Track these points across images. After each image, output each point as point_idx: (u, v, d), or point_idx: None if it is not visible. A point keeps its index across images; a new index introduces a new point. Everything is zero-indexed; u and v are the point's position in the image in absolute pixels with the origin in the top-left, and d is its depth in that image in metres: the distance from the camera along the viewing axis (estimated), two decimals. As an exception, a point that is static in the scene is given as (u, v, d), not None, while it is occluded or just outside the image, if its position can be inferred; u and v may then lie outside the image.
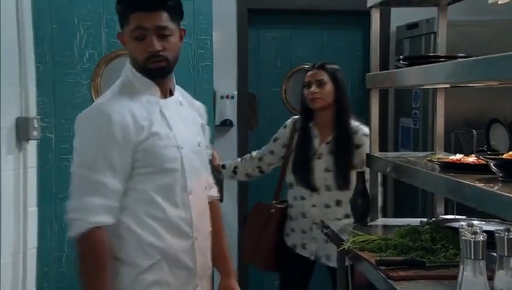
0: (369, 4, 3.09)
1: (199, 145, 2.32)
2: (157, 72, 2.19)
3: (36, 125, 2.95)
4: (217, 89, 4.94)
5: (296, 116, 3.57)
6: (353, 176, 3.10)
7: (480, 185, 1.99)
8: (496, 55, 1.85)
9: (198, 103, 2.43)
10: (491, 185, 1.99)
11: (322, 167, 3.34)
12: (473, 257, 1.69)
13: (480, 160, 2.26)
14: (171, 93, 2.30)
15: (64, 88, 3.49)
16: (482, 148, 3.44)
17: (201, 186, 2.33)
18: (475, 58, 2.10)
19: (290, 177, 3.47)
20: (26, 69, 2.95)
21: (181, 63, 4.08)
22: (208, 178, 2.48)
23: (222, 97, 4.95)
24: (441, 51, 3.07)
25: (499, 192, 1.87)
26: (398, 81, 2.88)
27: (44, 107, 3.27)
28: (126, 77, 2.25)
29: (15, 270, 2.83)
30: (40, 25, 3.14)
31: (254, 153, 3.67)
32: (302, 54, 5.25)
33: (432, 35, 4.45)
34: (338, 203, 3.32)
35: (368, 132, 3.08)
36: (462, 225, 1.78)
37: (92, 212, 2.06)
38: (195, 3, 3.94)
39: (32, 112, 2.97)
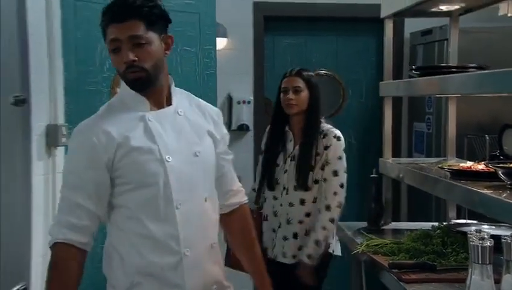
0: (382, 15, 3.19)
1: (196, 155, 2.17)
2: (136, 83, 2.10)
3: (65, 132, 3.07)
4: (234, 94, 5.06)
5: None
6: (311, 177, 3.27)
7: (488, 192, 2.09)
8: (504, 70, 1.94)
9: (210, 109, 2.31)
10: (500, 192, 2.08)
11: (292, 168, 3.37)
12: (480, 262, 1.79)
13: (489, 168, 2.35)
14: (169, 103, 2.19)
15: (87, 96, 3.59)
16: (494, 153, 3.49)
17: (197, 198, 2.17)
18: (484, 72, 2.21)
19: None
20: (55, 78, 3.07)
21: (188, 72, 4.25)
22: (227, 184, 2.36)
23: (239, 102, 5.04)
24: (453, 60, 3.17)
25: (506, 200, 1.97)
26: (410, 91, 2.98)
27: (70, 114, 3.38)
28: (119, 94, 2.27)
29: (44, 269, 2.94)
30: (67, 35, 3.26)
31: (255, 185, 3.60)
32: (316, 60, 5.32)
33: (445, 41, 4.49)
34: (302, 202, 3.31)
35: (339, 134, 3.29)
36: (471, 231, 1.88)
37: (60, 229, 2.06)
38: (200, 15, 4.07)
39: (61, 120, 3.09)
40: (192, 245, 2.13)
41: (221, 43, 4.96)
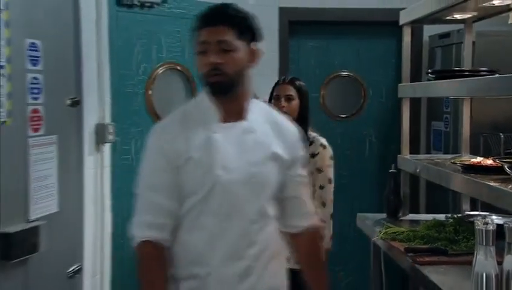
0: (401, 22, 3.45)
1: (253, 177, 2.12)
2: (216, 87, 2.11)
3: (111, 131, 3.38)
4: (260, 95, 5.30)
5: None
6: None
7: (495, 184, 2.34)
8: (508, 75, 2.21)
9: (287, 129, 2.26)
10: (505, 184, 2.34)
11: None
12: (484, 243, 2.05)
13: (496, 163, 2.61)
14: (243, 118, 2.18)
15: (126, 97, 3.91)
16: (509, 151, 3.68)
17: (241, 219, 2.13)
18: (491, 76, 2.47)
19: None
20: (103, 82, 3.39)
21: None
22: (297, 207, 2.30)
23: (265, 102, 5.30)
24: (467, 64, 3.41)
25: (510, 190, 2.23)
26: (425, 93, 3.24)
27: (115, 114, 3.69)
28: (195, 100, 2.31)
29: (95, 255, 3.26)
30: (111, 43, 3.57)
31: None
32: (339, 62, 5.54)
33: (462, 44, 4.75)
34: None
35: (325, 142, 3.45)
36: (478, 218, 2.15)
37: (141, 228, 2.14)
38: None
39: (108, 119, 3.40)
40: (225, 261, 2.13)
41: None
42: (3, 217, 2.46)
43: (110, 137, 3.41)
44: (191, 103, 2.31)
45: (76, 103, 3.03)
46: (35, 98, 2.70)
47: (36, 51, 2.69)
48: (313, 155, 3.38)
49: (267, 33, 5.27)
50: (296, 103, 3.47)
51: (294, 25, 5.42)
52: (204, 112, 2.17)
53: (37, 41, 2.69)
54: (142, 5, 4.02)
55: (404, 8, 3.55)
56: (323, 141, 3.47)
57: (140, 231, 2.14)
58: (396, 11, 3.64)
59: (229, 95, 2.12)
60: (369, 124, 5.50)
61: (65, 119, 2.96)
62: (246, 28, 2.13)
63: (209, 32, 2.09)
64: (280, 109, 3.31)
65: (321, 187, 3.40)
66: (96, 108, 3.35)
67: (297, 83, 3.54)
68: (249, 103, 2.18)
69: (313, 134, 3.47)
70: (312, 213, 2.36)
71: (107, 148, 3.45)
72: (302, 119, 3.39)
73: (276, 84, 3.57)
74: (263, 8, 5.40)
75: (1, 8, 2.44)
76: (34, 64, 2.68)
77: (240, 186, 2.12)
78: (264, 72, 5.48)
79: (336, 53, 5.54)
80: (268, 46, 5.45)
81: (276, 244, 2.26)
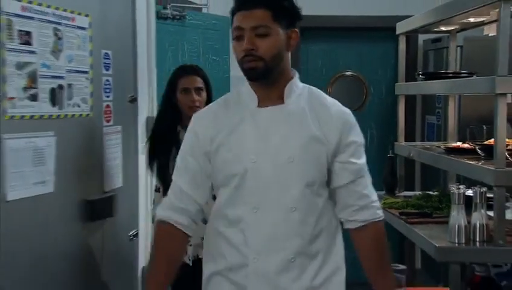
0: (397, 32, 4.14)
1: (290, 161, 2.00)
2: (251, 72, 2.01)
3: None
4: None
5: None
6: None
7: (469, 161, 3.03)
8: (477, 78, 2.90)
9: (335, 113, 2.11)
10: (477, 162, 3.02)
11: None
12: (457, 203, 2.74)
13: (471, 145, 3.31)
14: (282, 101, 2.07)
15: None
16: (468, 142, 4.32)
17: (279, 206, 2.02)
18: (470, 78, 3.17)
19: None
20: (152, 81, 4.09)
21: (215, 75, 5.27)
22: (351, 198, 2.14)
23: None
24: (451, 67, 4.11)
25: (481, 165, 2.89)
26: (418, 90, 3.94)
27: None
28: (237, 87, 2.22)
29: (146, 223, 3.97)
30: (157, 50, 4.28)
31: None
32: (343, 63, 6.20)
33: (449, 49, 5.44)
34: None
35: None
36: (453, 186, 2.85)
37: (162, 208, 2.17)
38: (221, 32, 5.30)
39: (155, 113, 4.08)
40: (262, 253, 2.03)
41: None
42: (87, 189, 3.17)
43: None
44: (234, 90, 2.23)
45: (134, 100, 3.73)
46: (107, 96, 3.40)
47: (108, 59, 3.39)
48: None
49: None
50: (205, 94, 3.24)
51: (304, 30, 5.91)
52: (243, 97, 2.10)
53: (109, 51, 3.39)
54: (174, 17, 4.72)
55: (400, 16, 4.23)
56: None
57: (161, 210, 2.17)
58: (394, 18, 4.30)
59: (266, 80, 2.03)
60: (371, 118, 6.19)
61: (126, 112, 3.66)
62: (283, 10, 2.01)
63: (244, 17, 1.99)
64: (192, 103, 3.15)
65: None
66: (146, 104, 4.05)
67: (202, 72, 3.31)
68: (290, 86, 2.07)
69: None
70: (373, 206, 2.16)
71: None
72: None
73: (178, 75, 3.28)
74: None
75: (87, 27, 3.15)
76: (107, 70, 3.39)
77: (277, 172, 2.01)
78: None
79: (340, 55, 6.22)
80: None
81: (326, 240, 2.12)
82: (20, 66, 2.67)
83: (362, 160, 2.16)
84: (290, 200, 2.04)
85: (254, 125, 2.06)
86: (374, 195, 2.21)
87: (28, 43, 2.71)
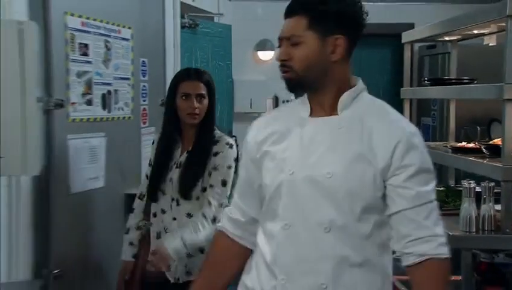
0: (403, 41, 4.49)
1: (328, 176, 1.80)
2: (286, 83, 1.88)
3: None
4: (280, 95, 6.38)
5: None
6: (198, 187, 2.86)
7: (475, 159, 3.37)
8: (479, 85, 3.25)
9: (394, 135, 1.83)
10: (482, 160, 3.36)
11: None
12: (468, 196, 3.07)
13: (476, 145, 3.66)
14: (335, 112, 1.88)
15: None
16: (484, 141, 4.69)
17: (311, 224, 1.82)
18: (472, 85, 3.52)
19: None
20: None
21: (220, 79, 5.62)
22: (405, 227, 1.82)
23: (283, 101, 6.34)
24: (452, 74, 4.46)
25: (487, 163, 3.23)
26: (422, 95, 4.29)
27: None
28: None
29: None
30: (182, 56, 4.61)
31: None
32: None
33: (447, 54, 5.78)
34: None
35: (232, 142, 2.96)
36: (464, 181, 3.18)
37: (223, 217, 2.11)
38: (225, 39, 5.51)
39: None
40: (291, 275, 1.85)
41: (269, 54, 6.29)
42: (128, 183, 3.49)
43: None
44: (293, 100, 2.07)
45: (163, 104, 4.05)
46: (144, 100, 3.72)
47: (145, 66, 3.70)
48: (216, 154, 2.90)
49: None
50: (206, 102, 2.94)
51: None
52: (296, 107, 1.95)
53: (145, 60, 3.71)
54: (190, 26, 5.05)
55: (396, 23, 4.57)
56: (230, 140, 2.97)
57: (222, 219, 2.12)
58: (391, 26, 4.65)
59: (307, 91, 1.91)
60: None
61: (158, 115, 3.97)
62: (322, 15, 1.83)
63: (284, 25, 1.88)
64: (191, 110, 2.89)
65: (211, 186, 2.85)
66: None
67: (206, 77, 3.01)
68: (347, 97, 1.88)
69: (219, 133, 2.99)
70: (435, 239, 1.82)
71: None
72: (209, 120, 2.97)
73: (180, 79, 2.99)
74: (281, 23, 6.44)
75: (130, 38, 3.46)
76: (144, 76, 3.70)
77: (310, 186, 1.83)
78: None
79: None
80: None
81: (368, 275, 1.87)
82: (80, 74, 2.98)
83: (425, 187, 1.83)
84: (325, 219, 1.82)
85: (300, 136, 1.88)
86: (439, 228, 1.84)
87: (85, 54, 3.03)
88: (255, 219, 2.01)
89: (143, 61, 3.67)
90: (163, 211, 2.92)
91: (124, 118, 3.42)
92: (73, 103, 2.93)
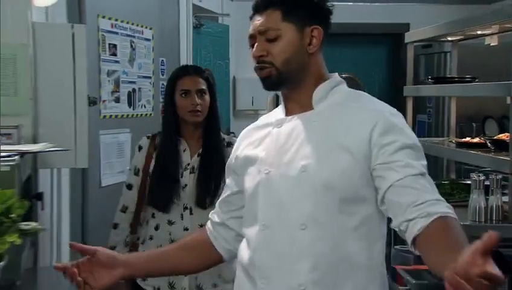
0: (406, 41, 4.66)
1: (303, 170, 1.68)
2: (265, 82, 1.74)
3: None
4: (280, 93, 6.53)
5: (151, 134, 2.87)
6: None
7: (481, 153, 3.55)
8: (492, 83, 3.44)
9: (368, 119, 1.68)
10: (487, 154, 3.54)
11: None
12: (477, 188, 3.25)
13: (481, 140, 3.84)
14: (310, 108, 1.75)
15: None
16: (479, 137, 4.88)
17: (287, 223, 1.69)
18: (474, 83, 3.71)
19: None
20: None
21: (220, 77, 5.78)
22: (403, 197, 1.58)
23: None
24: (453, 72, 4.64)
25: (493, 156, 3.41)
26: (427, 93, 4.47)
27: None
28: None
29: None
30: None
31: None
32: (341, 67, 6.62)
33: (442, 54, 5.98)
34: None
35: None
36: (473, 174, 3.36)
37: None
38: (223, 39, 5.70)
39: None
40: (269, 278, 1.71)
41: (270, 54, 6.45)
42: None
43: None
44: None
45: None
46: (163, 98, 3.86)
47: (163, 65, 3.85)
48: None
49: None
50: (208, 98, 2.76)
51: None
52: (276, 111, 1.86)
53: (164, 59, 3.86)
54: (196, 26, 5.20)
55: (392, 23, 4.72)
56: None
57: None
58: (387, 25, 4.80)
59: (285, 88, 1.77)
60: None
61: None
62: (295, 4, 1.73)
63: (254, 22, 1.75)
64: (192, 107, 2.70)
65: None
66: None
67: (206, 73, 2.85)
68: (321, 90, 1.76)
69: (225, 136, 2.87)
70: (441, 202, 1.63)
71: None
72: (213, 118, 2.79)
73: (177, 75, 2.80)
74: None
75: (151, 38, 3.60)
76: (162, 74, 3.85)
77: (285, 183, 1.70)
78: None
79: (338, 59, 6.44)
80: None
81: (354, 274, 1.68)
82: (109, 73, 3.13)
83: (416, 161, 1.64)
84: (300, 216, 1.67)
85: (276, 136, 1.75)
86: (442, 197, 1.68)
87: (114, 54, 3.18)
88: (225, 224, 1.90)
89: (162, 60, 3.82)
90: (170, 223, 2.69)
91: (146, 114, 3.57)
92: (104, 101, 3.07)
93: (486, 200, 3.22)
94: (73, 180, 2.89)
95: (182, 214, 2.69)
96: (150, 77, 3.59)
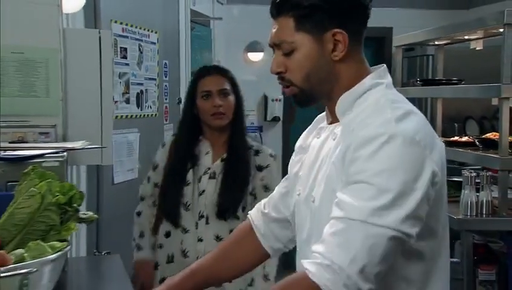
0: (394, 45, 4.87)
1: (312, 200, 1.55)
2: (294, 100, 1.58)
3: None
4: (268, 94, 6.70)
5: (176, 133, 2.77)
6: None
7: (470, 151, 3.75)
8: (483, 85, 3.64)
9: (354, 136, 1.43)
10: (476, 152, 3.74)
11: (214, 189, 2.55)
12: (469, 184, 3.44)
13: (470, 139, 4.04)
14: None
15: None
16: (460, 137, 5.11)
17: (303, 250, 1.59)
18: (461, 85, 3.91)
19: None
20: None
21: None
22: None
23: (273, 100, 6.66)
24: (439, 74, 4.85)
25: (480, 153, 3.61)
26: (415, 94, 4.68)
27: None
28: None
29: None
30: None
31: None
32: None
33: (425, 57, 6.19)
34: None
35: (273, 153, 2.67)
36: (465, 170, 3.56)
37: (253, 209, 1.87)
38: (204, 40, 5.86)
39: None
40: None
41: (259, 55, 6.61)
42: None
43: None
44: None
45: (180, 102, 4.35)
46: (166, 99, 4.02)
47: (166, 67, 4.00)
48: (260, 168, 2.58)
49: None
50: (232, 99, 2.57)
51: None
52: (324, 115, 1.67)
53: (167, 61, 4.01)
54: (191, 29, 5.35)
55: (376, 27, 4.86)
56: (271, 150, 2.67)
57: (252, 210, 1.90)
58: (369, 29, 4.88)
59: (317, 102, 1.60)
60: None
61: (175, 112, 4.28)
62: (310, 11, 1.49)
63: (272, 29, 1.56)
64: (215, 109, 2.52)
65: None
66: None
67: (229, 73, 2.65)
68: (345, 100, 1.54)
69: (253, 142, 2.68)
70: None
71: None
72: (239, 121, 2.61)
73: (199, 76, 2.63)
74: (270, 26, 6.76)
75: (156, 42, 3.75)
76: (165, 76, 4.00)
77: (305, 209, 1.59)
78: (271, 76, 6.78)
79: None
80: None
81: None
82: (121, 75, 3.28)
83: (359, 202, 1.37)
84: (311, 243, 1.50)
85: (311, 150, 1.63)
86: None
87: (124, 57, 3.32)
88: (286, 220, 1.74)
89: (165, 62, 3.97)
90: (184, 230, 2.53)
91: (151, 115, 3.71)
92: (116, 101, 3.21)
93: (477, 195, 3.43)
94: (90, 178, 3.03)
95: (196, 223, 2.52)
96: (155, 79, 3.74)
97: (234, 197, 2.50)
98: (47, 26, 2.33)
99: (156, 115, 3.78)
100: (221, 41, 6.39)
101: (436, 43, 4.65)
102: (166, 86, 3.99)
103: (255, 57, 6.61)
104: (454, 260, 3.48)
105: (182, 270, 1.95)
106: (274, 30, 1.54)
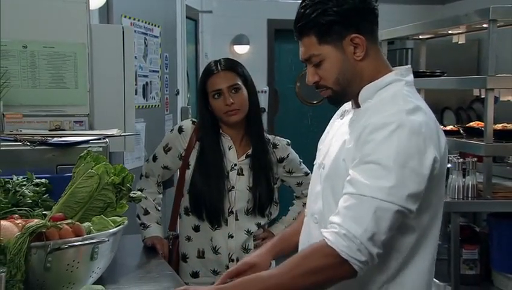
0: (380, 39, 5.07)
1: (321, 167, 1.83)
2: (331, 102, 1.83)
3: (190, 111, 4.86)
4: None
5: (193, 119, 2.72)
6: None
7: (456, 139, 3.99)
8: (470, 76, 3.87)
9: (365, 125, 1.68)
10: (460, 139, 3.98)
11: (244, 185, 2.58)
12: (456, 169, 3.68)
13: (454, 128, 4.28)
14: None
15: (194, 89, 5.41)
16: (445, 126, 5.34)
17: (309, 216, 1.87)
18: (444, 77, 4.14)
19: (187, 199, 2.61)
20: (184, 77, 4.89)
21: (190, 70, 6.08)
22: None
23: (258, 92, 6.82)
24: (422, 67, 5.08)
25: (461, 140, 3.85)
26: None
27: (190, 99, 5.16)
28: None
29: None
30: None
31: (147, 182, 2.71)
32: None
33: (404, 50, 6.39)
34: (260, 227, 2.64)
35: (287, 140, 2.72)
36: (451, 156, 3.79)
37: None
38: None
39: (186, 103, 4.88)
40: None
41: (245, 48, 6.79)
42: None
43: (189, 115, 4.91)
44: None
45: (178, 93, 4.53)
46: (166, 90, 4.18)
47: (167, 60, 4.17)
48: (281, 160, 2.65)
49: (258, 38, 7.26)
50: (244, 92, 2.55)
51: (279, 32, 6.99)
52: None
53: (167, 54, 4.18)
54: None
55: None
56: (284, 139, 2.72)
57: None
58: None
59: (349, 98, 1.82)
60: (334, 108, 7.10)
61: (174, 103, 4.45)
62: (327, 26, 1.71)
63: (300, 48, 1.80)
64: (226, 108, 2.50)
65: (299, 184, 2.72)
66: (181, 96, 4.85)
67: (240, 67, 2.60)
68: (367, 89, 1.76)
69: (269, 136, 2.68)
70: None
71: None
72: (254, 116, 2.60)
73: (206, 75, 2.57)
74: (256, 19, 6.95)
75: (159, 35, 3.92)
76: (166, 69, 4.17)
77: (315, 176, 1.88)
78: (256, 68, 6.87)
79: None
80: (259, 48, 7.26)
81: None
82: (130, 68, 3.44)
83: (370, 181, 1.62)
84: (316, 210, 1.83)
85: (335, 128, 1.89)
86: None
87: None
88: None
89: (166, 55, 4.14)
90: (213, 227, 2.55)
91: (155, 106, 3.88)
92: (125, 93, 3.38)
93: (463, 180, 3.66)
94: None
95: (226, 219, 2.54)
96: (157, 71, 3.91)
97: (268, 192, 2.56)
98: (75, 23, 2.50)
99: (159, 105, 3.95)
100: (209, 34, 6.53)
101: (421, 37, 4.88)
102: (166, 77, 4.16)
103: (241, 49, 6.79)
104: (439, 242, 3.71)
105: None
106: (301, 49, 1.78)
